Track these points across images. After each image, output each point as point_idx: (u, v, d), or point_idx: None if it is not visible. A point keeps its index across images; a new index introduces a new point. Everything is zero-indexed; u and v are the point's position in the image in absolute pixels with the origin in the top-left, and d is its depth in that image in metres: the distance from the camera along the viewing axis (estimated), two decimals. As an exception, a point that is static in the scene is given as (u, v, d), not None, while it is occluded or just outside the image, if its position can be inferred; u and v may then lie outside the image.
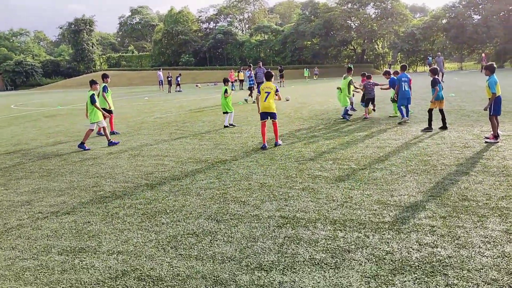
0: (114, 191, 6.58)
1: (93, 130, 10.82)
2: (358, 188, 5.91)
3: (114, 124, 13.12)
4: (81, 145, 10.56)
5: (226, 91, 12.72)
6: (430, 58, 49.86)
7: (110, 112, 12.27)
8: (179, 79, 39.26)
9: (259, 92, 9.36)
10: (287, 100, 21.38)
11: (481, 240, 4.02)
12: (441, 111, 10.10)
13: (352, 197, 5.54)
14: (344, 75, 13.57)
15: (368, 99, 13.10)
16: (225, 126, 12.84)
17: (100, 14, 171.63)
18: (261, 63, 25.18)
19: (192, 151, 9.48)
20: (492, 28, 55.95)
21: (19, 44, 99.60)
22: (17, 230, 5.07)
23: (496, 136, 8.26)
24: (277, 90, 9.11)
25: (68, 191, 6.69)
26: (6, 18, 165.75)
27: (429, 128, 10.04)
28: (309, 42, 75.97)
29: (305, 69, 57.18)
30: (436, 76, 10.00)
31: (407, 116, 11.52)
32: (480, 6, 61.32)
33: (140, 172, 7.78)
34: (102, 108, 11.19)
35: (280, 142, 9.55)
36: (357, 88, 13.61)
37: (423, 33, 65.39)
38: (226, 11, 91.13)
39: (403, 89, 11.46)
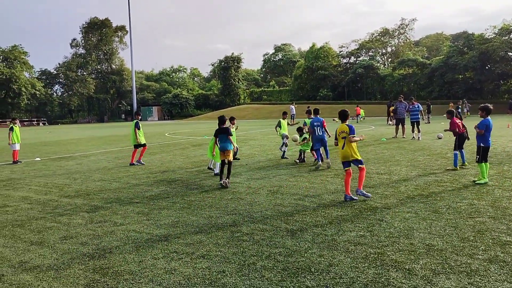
0: (252, 233, 5.96)
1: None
2: None
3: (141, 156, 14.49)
4: None
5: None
6: None
7: (143, 145, 14.34)
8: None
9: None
10: (439, 138, 18.98)
11: None
12: (229, 162, 9.80)
13: None
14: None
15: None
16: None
17: (244, 52, 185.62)
18: (402, 97, 21.90)
19: (335, 193, 8.49)
20: None
21: (177, 80, 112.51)
22: (150, 272, 4.70)
23: None
24: (351, 132, 7.79)
25: (206, 228, 6.29)
26: (159, 56, 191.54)
27: (222, 183, 9.50)
28: (460, 76, 69.17)
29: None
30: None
31: None
32: None
33: (279, 212, 7.09)
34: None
35: (363, 192, 7.91)
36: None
37: None
38: (368, 45, 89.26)
39: (316, 133, 12.13)
